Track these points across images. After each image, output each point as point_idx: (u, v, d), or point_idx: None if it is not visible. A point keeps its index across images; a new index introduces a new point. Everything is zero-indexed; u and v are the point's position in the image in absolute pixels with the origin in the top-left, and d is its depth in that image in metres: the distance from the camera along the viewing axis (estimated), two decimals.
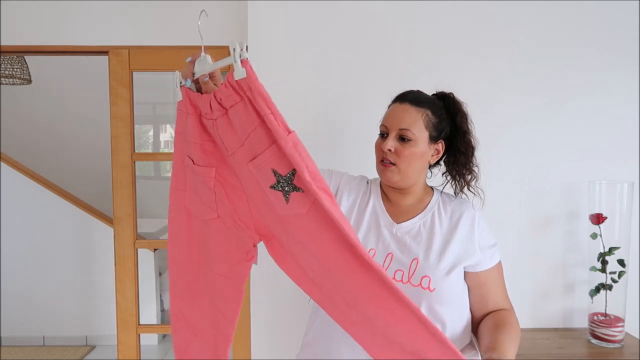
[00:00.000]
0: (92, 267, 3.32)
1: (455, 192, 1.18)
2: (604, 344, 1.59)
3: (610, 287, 1.61)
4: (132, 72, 1.88)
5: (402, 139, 1.08)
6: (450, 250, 1.07)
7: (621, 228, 1.63)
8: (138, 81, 1.93)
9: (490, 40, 1.71)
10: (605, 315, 1.62)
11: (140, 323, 1.98)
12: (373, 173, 1.22)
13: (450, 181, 1.19)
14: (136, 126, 1.92)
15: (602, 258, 1.62)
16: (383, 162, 1.10)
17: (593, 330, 1.63)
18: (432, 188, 1.21)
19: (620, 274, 1.60)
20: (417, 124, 1.08)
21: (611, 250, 1.61)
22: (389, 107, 1.16)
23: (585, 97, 1.73)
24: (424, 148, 1.09)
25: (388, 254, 1.08)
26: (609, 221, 1.63)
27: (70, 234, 3.32)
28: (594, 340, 1.62)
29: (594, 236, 1.64)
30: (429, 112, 1.10)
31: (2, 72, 3.17)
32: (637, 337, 1.68)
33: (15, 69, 3.20)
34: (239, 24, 1.79)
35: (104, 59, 1.92)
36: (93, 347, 3.34)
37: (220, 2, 1.81)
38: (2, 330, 3.33)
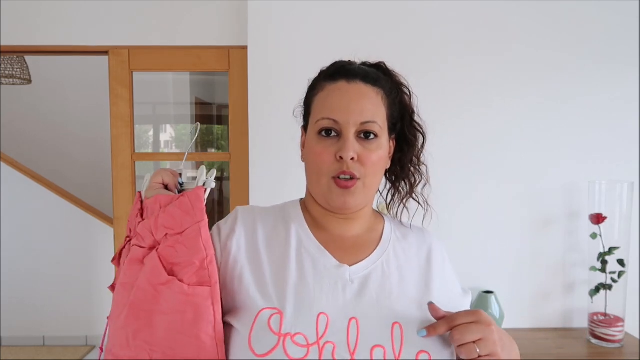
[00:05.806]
0: (92, 267, 3.32)
1: (388, 206, 0.82)
2: (604, 344, 1.59)
3: (610, 287, 1.61)
4: (132, 72, 1.88)
5: (366, 135, 0.70)
6: (434, 300, 0.68)
7: (621, 228, 1.63)
8: (138, 81, 1.93)
9: (489, 39, 1.71)
10: (605, 315, 1.62)
11: None
12: None
13: (390, 189, 0.81)
14: (136, 126, 1.92)
15: (602, 258, 1.62)
16: (340, 178, 0.69)
17: (593, 330, 1.63)
18: (376, 210, 0.83)
19: (620, 274, 1.60)
20: (380, 111, 0.71)
21: (611, 250, 1.61)
22: (318, 86, 0.77)
23: (585, 97, 1.73)
24: (386, 147, 0.74)
25: (350, 319, 0.65)
26: (609, 221, 1.63)
27: (70, 234, 3.32)
28: (593, 340, 1.62)
29: (594, 236, 1.64)
30: (383, 93, 0.73)
31: (2, 72, 3.17)
32: (637, 337, 1.68)
33: (15, 69, 3.20)
34: (239, 24, 1.79)
35: (104, 59, 1.92)
36: (93, 347, 3.33)
37: (220, 2, 1.81)
38: (2, 330, 3.33)
